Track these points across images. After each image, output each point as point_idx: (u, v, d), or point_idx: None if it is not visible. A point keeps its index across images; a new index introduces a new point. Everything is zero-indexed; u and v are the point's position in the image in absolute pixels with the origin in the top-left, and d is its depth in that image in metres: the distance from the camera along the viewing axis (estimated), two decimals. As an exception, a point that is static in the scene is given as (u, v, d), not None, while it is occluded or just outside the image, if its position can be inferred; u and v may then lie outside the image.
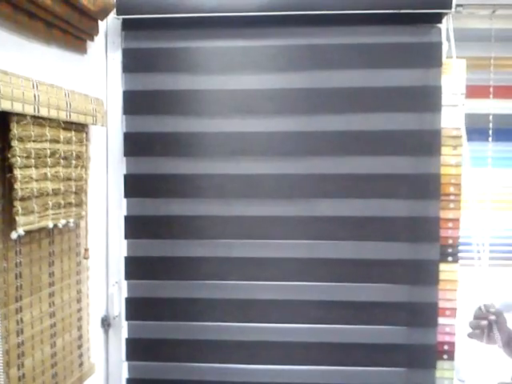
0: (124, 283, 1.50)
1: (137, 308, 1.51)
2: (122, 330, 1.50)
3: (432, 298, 1.43)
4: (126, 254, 1.50)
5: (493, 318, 1.21)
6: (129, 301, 1.50)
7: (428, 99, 1.41)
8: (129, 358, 1.52)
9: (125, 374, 1.52)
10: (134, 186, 1.49)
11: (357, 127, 1.43)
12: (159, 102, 1.46)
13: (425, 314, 1.44)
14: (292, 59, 1.43)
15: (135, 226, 1.50)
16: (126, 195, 1.48)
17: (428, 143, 1.42)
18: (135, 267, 1.50)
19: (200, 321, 1.49)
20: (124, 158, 1.48)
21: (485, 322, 1.21)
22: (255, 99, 1.44)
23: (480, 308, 1.25)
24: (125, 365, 1.51)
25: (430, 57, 1.41)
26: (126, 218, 1.49)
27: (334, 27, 1.42)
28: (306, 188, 1.45)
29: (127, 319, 1.51)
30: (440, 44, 1.39)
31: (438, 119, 1.41)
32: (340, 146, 1.44)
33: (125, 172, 1.48)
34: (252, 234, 1.47)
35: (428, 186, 1.42)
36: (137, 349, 1.52)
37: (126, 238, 1.49)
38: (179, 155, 1.47)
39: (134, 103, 1.47)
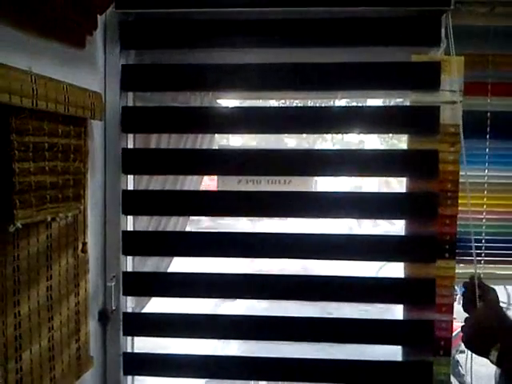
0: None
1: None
2: (120, 324, 1.50)
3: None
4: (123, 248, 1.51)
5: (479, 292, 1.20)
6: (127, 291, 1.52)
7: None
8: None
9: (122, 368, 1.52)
10: (133, 163, 1.50)
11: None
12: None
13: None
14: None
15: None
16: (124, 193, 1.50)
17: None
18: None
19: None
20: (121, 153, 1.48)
21: (469, 294, 1.21)
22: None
23: (467, 281, 1.25)
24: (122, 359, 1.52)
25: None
26: (124, 212, 1.50)
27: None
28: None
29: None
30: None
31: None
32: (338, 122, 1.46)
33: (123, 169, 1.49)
34: None
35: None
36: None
37: (123, 231, 1.50)
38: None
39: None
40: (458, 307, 1.37)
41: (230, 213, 1.50)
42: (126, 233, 1.51)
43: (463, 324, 1.17)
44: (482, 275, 1.32)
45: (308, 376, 1.49)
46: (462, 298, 1.25)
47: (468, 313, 1.21)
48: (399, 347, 1.51)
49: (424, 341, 1.44)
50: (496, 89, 1.53)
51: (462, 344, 1.18)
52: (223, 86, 1.48)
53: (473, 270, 1.31)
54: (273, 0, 1.39)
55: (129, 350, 1.56)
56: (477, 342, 1.14)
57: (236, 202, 1.49)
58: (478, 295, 1.21)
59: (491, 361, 1.09)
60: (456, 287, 1.42)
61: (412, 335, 1.47)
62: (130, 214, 1.54)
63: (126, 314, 1.52)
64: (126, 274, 1.51)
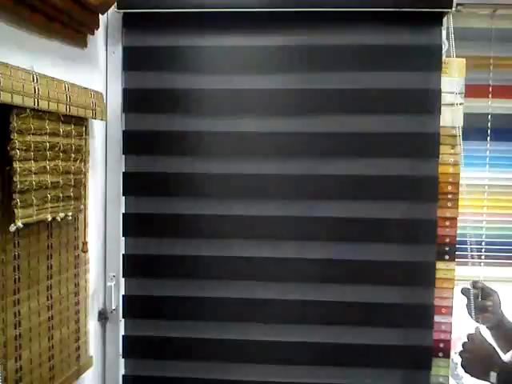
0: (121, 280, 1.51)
1: (134, 304, 1.52)
2: (120, 324, 1.50)
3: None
4: (124, 248, 1.50)
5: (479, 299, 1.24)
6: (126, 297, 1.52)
7: (427, 101, 1.41)
8: (125, 355, 1.53)
9: (122, 368, 1.52)
10: (133, 182, 1.50)
11: (354, 128, 1.44)
12: (158, 95, 1.47)
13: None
14: (292, 58, 1.44)
15: (133, 220, 1.51)
16: (124, 192, 1.49)
17: (426, 145, 1.42)
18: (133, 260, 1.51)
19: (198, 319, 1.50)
20: (123, 154, 1.49)
21: (471, 300, 1.25)
22: (255, 101, 1.45)
23: (469, 287, 1.28)
24: (122, 359, 1.52)
25: (430, 58, 1.40)
26: (124, 213, 1.50)
27: (335, 25, 1.42)
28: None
29: (124, 316, 1.52)
30: (440, 46, 1.39)
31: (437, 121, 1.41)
32: (339, 148, 1.44)
33: (123, 169, 1.49)
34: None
35: (426, 188, 1.42)
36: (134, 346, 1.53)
37: (123, 232, 1.50)
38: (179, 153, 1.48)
39: (133, 97, 1.48)
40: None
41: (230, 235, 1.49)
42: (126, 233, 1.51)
43: (461, 350, 1.20)
44: (482, 278, 1.33)
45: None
46: (466, 305, 1.27)
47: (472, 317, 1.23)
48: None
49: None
50: (497, 91, 1.54)
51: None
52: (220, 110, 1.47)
53: (472, 272, 1.32)
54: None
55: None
56: (475, 367, 1.17)
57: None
58: (481, 299, 1.23)
59: (491, 382, 1.12)
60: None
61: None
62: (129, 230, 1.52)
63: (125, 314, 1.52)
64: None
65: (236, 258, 1.48)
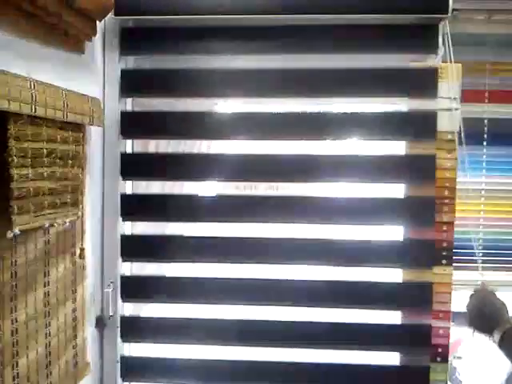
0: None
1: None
2: (118, 330, 1.50)
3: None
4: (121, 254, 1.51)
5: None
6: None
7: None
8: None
9: (119, 374, 1.52)
10: (132, 168, 1.51)
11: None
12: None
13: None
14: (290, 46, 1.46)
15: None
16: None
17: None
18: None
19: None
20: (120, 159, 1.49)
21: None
22: (255, 83, 1.47)
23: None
24: (119, 365, 1.52)
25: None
26: (123, 216, 1.50)
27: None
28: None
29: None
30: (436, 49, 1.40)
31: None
32: (336, 128, 1.47)
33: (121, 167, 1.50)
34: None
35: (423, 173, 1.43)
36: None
37: (121, 235, 1.51)
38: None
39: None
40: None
41: (228, 218, 1.50)
42: (124, 238, 1.51)
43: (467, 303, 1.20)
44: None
45: (306, 379, 1.50)
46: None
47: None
48: (396, 353, 1.51)
49: (421, 347, 1.44)
50: (493, 96, 1.54)
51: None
52: (222, 92, 1.48)
53: (471, 276, 1.32)
54: (271, 8, 1.40)
55: (126, 356, 1.56)
56: (482, 323, 1.14)
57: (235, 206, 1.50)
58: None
59: (493, 341, 1.08)
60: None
61: (409, 341, 1.46)
62: (128, 219, 1.54)
63: (123, 320, 1.51)
64: (123, 279, 1.51)
65: (239, 239, 1.49)
